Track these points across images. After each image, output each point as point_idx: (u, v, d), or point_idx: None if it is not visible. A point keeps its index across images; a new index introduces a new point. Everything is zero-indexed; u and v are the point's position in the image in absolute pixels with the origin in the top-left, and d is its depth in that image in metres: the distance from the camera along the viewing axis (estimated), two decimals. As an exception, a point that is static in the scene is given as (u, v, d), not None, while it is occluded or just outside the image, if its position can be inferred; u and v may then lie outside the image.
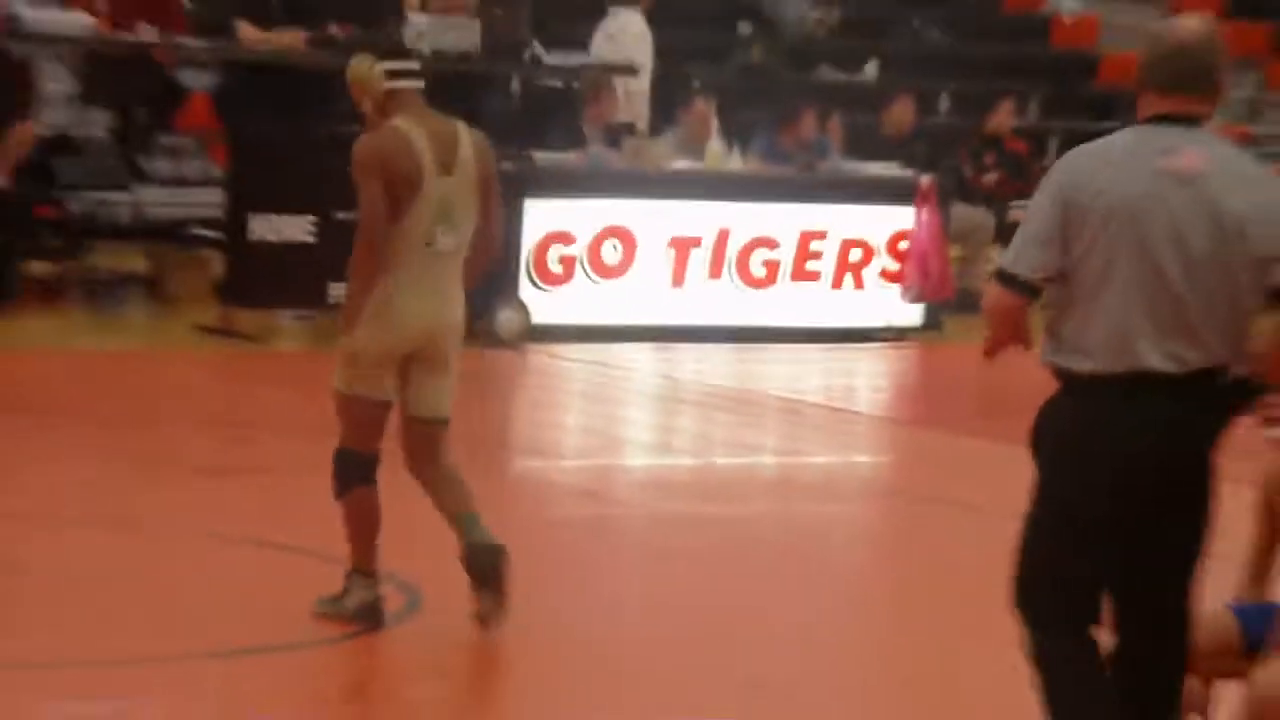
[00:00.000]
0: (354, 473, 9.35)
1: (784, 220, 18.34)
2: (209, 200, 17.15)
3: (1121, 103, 25.19)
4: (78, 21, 18.60)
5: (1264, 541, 7.84)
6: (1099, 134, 7.18)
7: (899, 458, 14.84)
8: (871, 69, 23.70)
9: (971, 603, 9.38)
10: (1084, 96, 24.94)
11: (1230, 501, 6.89)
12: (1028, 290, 6.63)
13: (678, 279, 17.89)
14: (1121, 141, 6.81)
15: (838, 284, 18.34)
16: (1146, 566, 6.73)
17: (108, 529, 10.86)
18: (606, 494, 12.80)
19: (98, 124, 19.08)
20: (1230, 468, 6.74)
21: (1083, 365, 6.59)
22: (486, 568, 9.11)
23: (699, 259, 17.91)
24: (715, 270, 17.96)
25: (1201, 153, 6.62)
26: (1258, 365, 6.64)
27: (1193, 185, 6.56)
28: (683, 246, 17.87)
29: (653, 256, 17.79)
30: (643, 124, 20.52)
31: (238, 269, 16.56)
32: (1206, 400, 6.60)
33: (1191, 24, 6.89)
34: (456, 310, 9.40)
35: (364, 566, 9.42)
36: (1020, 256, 6.64)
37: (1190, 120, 6.69)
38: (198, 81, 19.53)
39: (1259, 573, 7.86)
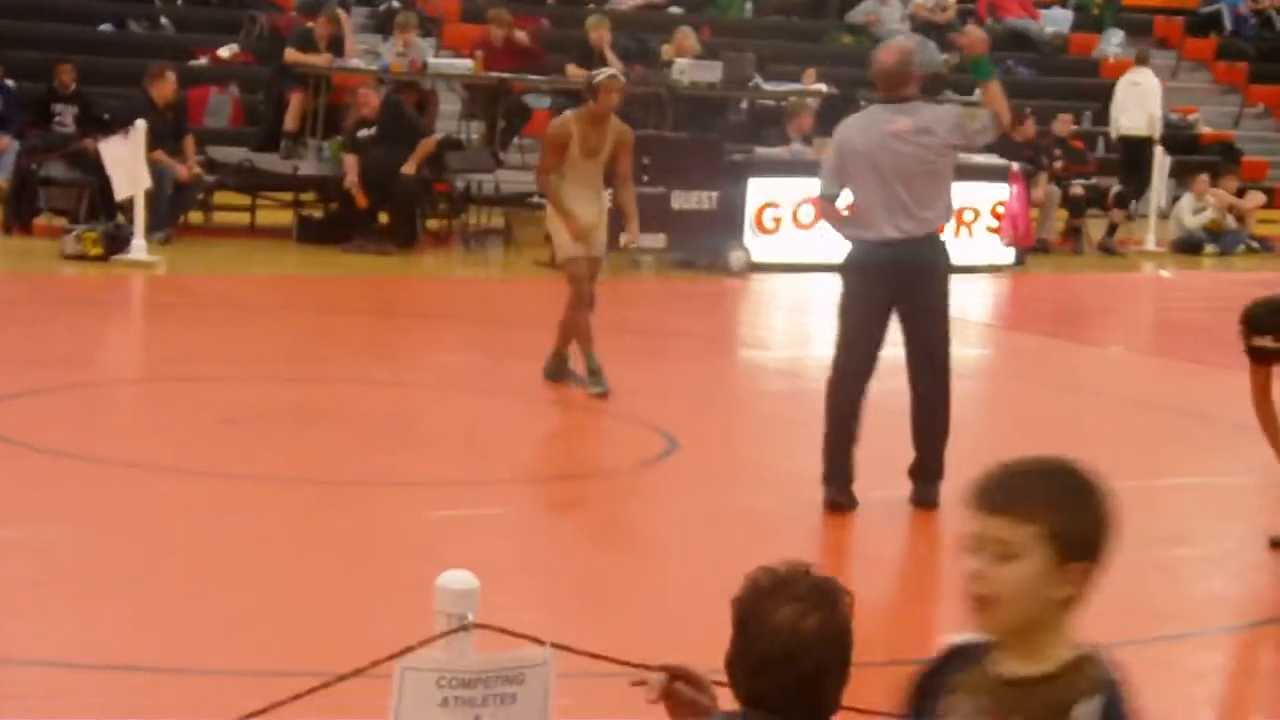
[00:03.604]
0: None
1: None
2: (545, 180, 16.93)
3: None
4: (465, 64, 18.51)
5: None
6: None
7: (996, 352, 14.35)
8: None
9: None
10: (1121, 111, 24.07)
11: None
12: (830, 199, 8.26)
13: (850, 231, 17.49)
14: (868, 114, 8.23)
15: (956, 234, 17.67)
16: (912, 321, 8.04)
17: (477, 394, 10.64)
18: (800, 373, 12.41)
19: (475, 130, 19.13)
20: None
21: (855, 234, 8.08)
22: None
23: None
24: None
25: (905, 117, 7.96)
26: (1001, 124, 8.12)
27: (902, 137, 7.91)
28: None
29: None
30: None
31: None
32: (918, 247, 7.95)
33: (891, 52, 8.16)
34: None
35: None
36: (824, 183, 8.27)
37: (901, 99, 8.02)
38: (539, 103, 19.36)
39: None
